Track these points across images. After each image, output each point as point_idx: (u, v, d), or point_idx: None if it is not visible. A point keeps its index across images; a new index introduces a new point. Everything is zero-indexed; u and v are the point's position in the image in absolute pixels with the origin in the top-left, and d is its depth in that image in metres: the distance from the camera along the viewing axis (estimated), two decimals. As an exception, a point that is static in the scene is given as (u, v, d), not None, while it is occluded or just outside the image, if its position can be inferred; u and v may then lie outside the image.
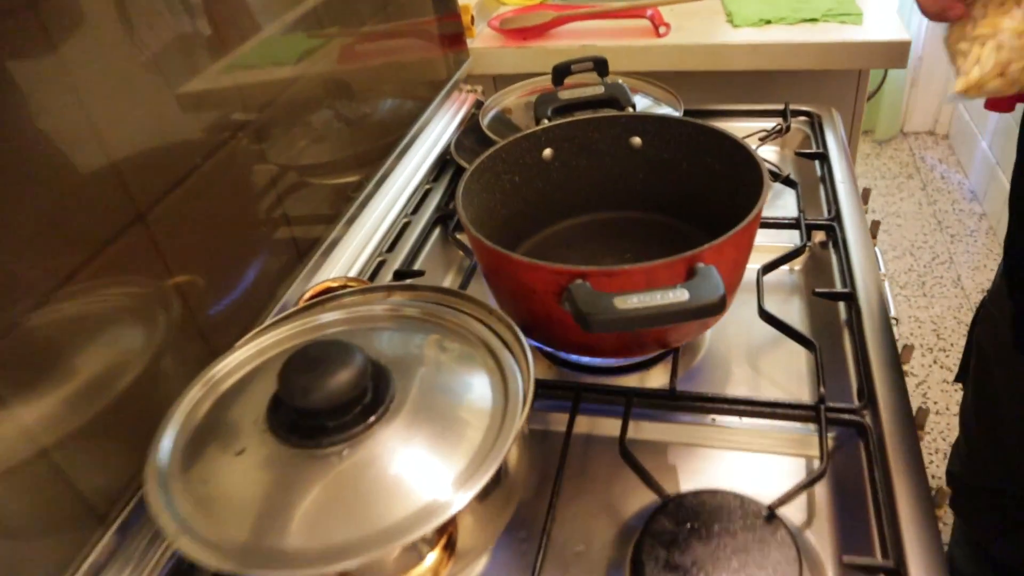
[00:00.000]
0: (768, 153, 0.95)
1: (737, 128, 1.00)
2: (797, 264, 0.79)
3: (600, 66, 0.98)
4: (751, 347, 0.69)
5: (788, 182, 0.85)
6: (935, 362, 1.84)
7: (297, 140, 0.78)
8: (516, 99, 1.08)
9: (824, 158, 0.88)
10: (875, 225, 0.87)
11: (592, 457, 0.61)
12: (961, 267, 2.11)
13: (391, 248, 0.85)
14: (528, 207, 0.77)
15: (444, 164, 1.00)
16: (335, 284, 0.61)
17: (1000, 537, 0.98)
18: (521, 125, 1.03)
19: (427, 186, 0.95)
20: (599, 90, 0.80)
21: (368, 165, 0.92)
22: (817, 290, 0.69)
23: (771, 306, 0.71)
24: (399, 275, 0.80)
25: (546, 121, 0.76)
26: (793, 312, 0.73)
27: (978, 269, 2.09)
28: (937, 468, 1.59)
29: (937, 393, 1.76)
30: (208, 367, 0.51)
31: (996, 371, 0.88)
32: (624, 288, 0.56)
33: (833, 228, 0.77)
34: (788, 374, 0.66)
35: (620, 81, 1.03)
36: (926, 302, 2.02)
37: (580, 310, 0.50)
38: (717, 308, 0.49)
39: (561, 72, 0.98)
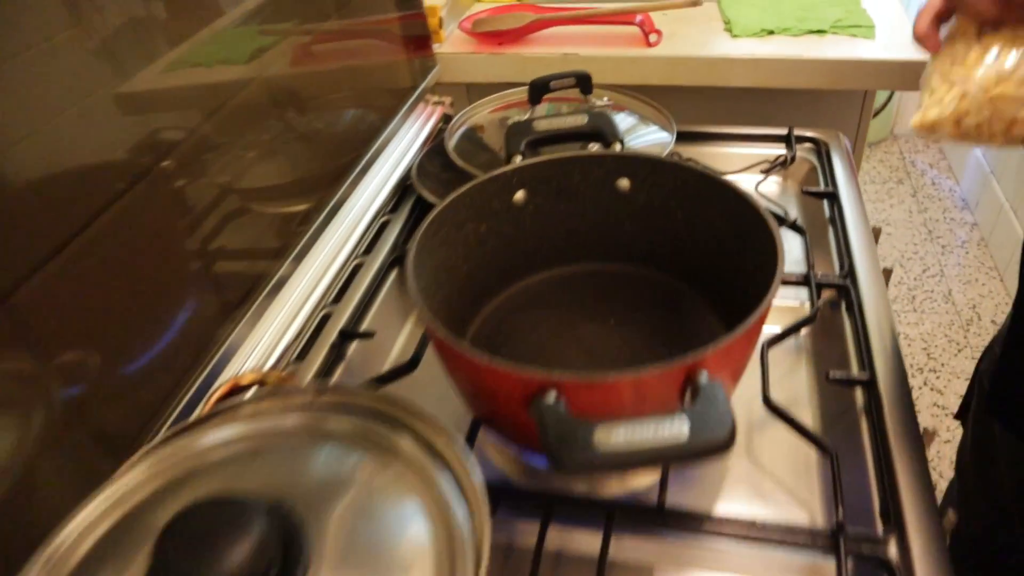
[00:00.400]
0: (770, 186, 0.85)
1: (736, 156, 0.90)
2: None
3: (583, 83, 0.87)
4: (752, 436, 0.59)
5: (795, 228, 0.74)
6: (925, 383, 1.77)
7: (237, 161, 0.66)
8: (488, 115, 0.96)
9: (834, 198, 0.78)
10: (886, 272, 0.77)
11: (564, 583, 0.51)
12: (952, 281, 2.04)
13: (339, 297, 0.73)
14: (496, 259, 0.66)
15: (405, 190, 0.88)
16: (247, 381, 0.49)
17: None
18: (493, 146, 0.92)
19: (384, 217, 0.84)
20: (581, 120, 0.68)
21: (319, 191, 0.80)
22: (832, 375, 0.59)
23: (775, 384, 0.61)
24: (344, 335, 0.68)
25: (519, 158, 0.65)
26: (800, 390, 0.63)
27: (969, 283, 2.02)
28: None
29: (927, 418, 1.69)
30: (47, 540, 0.38)
31: None
32: (607, 403, 0.45)
33: (847, 290, 0.67)
34: (795, 472, 0.56)
35: (606, 99, 0.92)
36: (916, 318, 1.94)
37: (551, 444, 0.39)
38: (724, 446, 0.38)
39: (539, 89, 0.86)
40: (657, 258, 0.67)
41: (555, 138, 0.68)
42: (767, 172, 0.84)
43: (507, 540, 0.54)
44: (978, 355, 1.80)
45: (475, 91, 1.09)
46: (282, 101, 0.74)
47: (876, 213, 2.32)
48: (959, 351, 1.83)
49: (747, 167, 0.85)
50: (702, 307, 0.64)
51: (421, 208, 0.85)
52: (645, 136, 0.89)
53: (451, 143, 0.88)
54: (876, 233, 0.83)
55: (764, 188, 0.81)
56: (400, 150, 0.92)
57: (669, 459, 0.38)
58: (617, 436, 0.38)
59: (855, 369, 0.61)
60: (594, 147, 0.78)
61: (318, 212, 0.79)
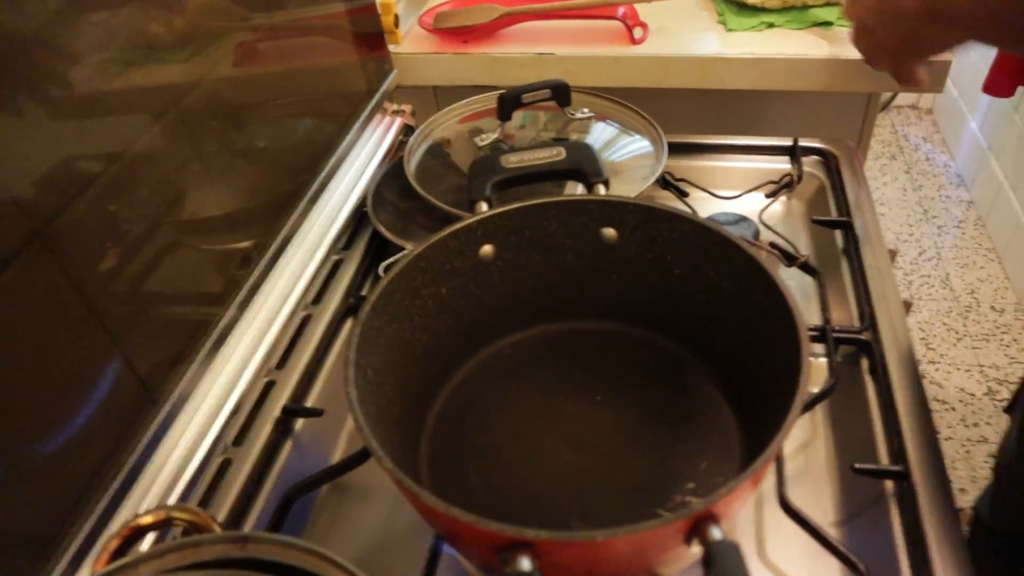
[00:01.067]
0: (774, 208, 0.75)
1: (735, 172, 0.80)
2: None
3: (560, 94, 0.77)
4: (765, 538, 0.50)
5: (807, 269, 0.65)
6: (924, 376, 1.69)
7: (164, 190, 0.55)
8: (456, 125, 0.85)
9: (849, 228, 0.69)
10: (906, 304, 0.68)
11: None
12: (949, 264, 1.96)
13: (284, 360, 0.63)
14: (461, 323, 0.56)
15: (360, 219, 0.78)
16: (147, 523, 0.40)
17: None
18: (462, 164, 0.81)
19: (336, 256, 0.73)
20: (558, 155, 0.58)
21: (262, 223, 0.69)
22: (858, 466, 0.50)
23: (790, 471, 0.52)
24: (288, 413, 0.59)
25: (484, 205, 0.55)
26: (819, 476, 0.54)
27: (967, 266, 1.95)
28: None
29: (926, 413, 1.62)
30: None
31: None
32: (594, 562, 0.36)
33: (869, 346, 0.58)
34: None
35: (586, 110, 0.81)
36: (914, 306, 1.86)
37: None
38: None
39: (509, 103, 0.76)
40: (648, 316, 0.58)
41: (526, 177, 0.58)
42: (772, 195, 0.74)
43: None
44: (978, 344, 1.75)
45: (443, 94, 0.98)
46: (220, 112, 0.63)
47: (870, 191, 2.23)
48: (958, 340, 1.76)
49: (749, 189, 0.76)
50: (703, 377, 0.55)
51: (379, 244, 0.74)
52: (630, 150, 0.79)
53: (412, 163, 0.77)
54: (892, 256, 0.74)
55: (768, 217, 0.71)
56: (355, 171, 0.81)
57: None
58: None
59: (882, 450, 0.52)
60: (575, 189, 0.68)
61: (260, 252, 0.69)
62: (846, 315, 0.64)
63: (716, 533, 0.33)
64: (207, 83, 0.60)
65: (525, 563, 0.33)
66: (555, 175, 0.59)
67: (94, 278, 0.50)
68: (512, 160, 0.57)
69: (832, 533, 0.47)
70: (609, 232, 0.55)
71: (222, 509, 0.53)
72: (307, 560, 0.37)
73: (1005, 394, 1.63)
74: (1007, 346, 1.73)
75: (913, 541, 0.46)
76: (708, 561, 0.32)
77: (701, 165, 0.81)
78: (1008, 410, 0.88)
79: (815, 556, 0.48)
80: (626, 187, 0.78)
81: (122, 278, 0.53)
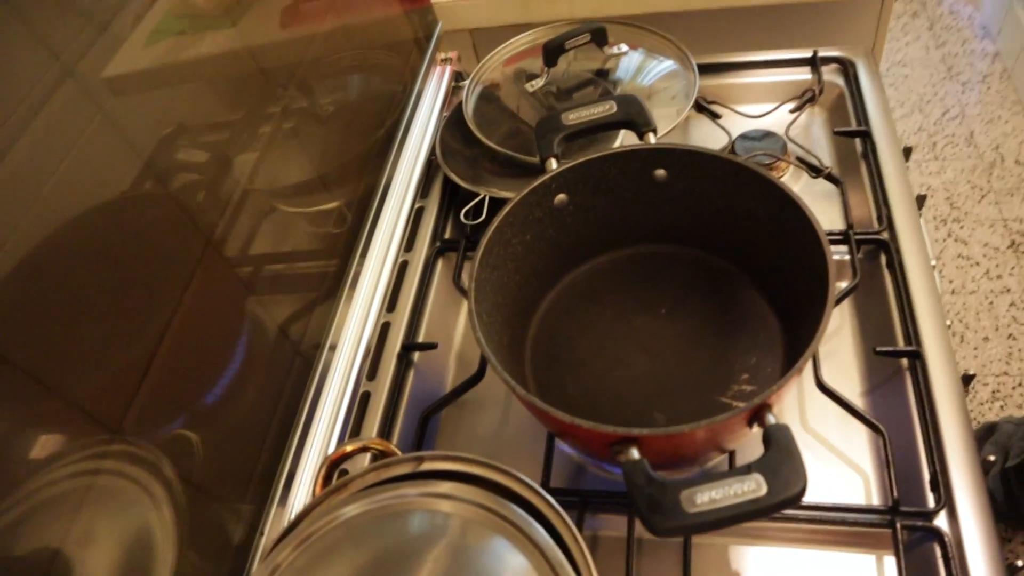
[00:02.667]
0: (799, 128, 0.83)
1: (759, 87, 0.88)
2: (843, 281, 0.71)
3: (598, 36, 0.84)
4: (805, 410, 0.63)
5: (831, 179, 0.75)
6: (949, 235, 1.79)
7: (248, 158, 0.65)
8: (501, 68, 0.93)
9: (867, 137, 0.77)
10: (919, 199, 0.78)
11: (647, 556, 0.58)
12: (973, 121, 1.99)
13: (392, 303, 0.76)
14: (542, 261, 0.68)
15: (430, 168, 0.88)
16: (353, 448, 0.54)
17: None
18: (512, 106, 0.90)
19: (418, 205, 0.84)
20: (611, 109, 0.67)
21: (346, 184, 0.80)
22: (879, 348, 0.62)
23: (823, 355, 0.65)
24: (408, 348, 0.72)
25: (554, 162, 0.65)
26: (847, 361, 0.66)
27: (992, 122, 1.98)
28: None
29: (952, 270, 1.72)
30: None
31: None
32: (682, 450, 0.49)
33: (887, 245, 0.69)
34: (848, 444, 0.61)
35: (623, 47, 0.89)
36: (938, 167, 1.92)
37: (643, 511, 0.43)
38: (799, 499, 0.43)
39: (553, 51, 0.84)
40: (697, 238, 0.69)
41: (586, 130, 0.67)
42: (797, 110, 0.82)
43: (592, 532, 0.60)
44: (1002, 199, 1.82)
45: (480, 37, 1.05)
46: (278, 77, 0.70)
47: (891, 55, 2.23)
48: (982, 197, 1.83)
49: (775, 105, 0.84)
50: (748, 286, 0.66)
51: (452, 189, 0.85)
52: (659, 71, 0.88)
53: (469, 111, 0.87)
54: (906, 153, 0.83)
55: (794, 133, 0.80)
56: (421, 122, 0.90)
57: (751, 516, 0.43)
58: (702, 498, 0.43)
59: (899, 334, 0.64)
60: (621, 139, 0.77)
61: (352, 209, 0.80)
62: (866, 214, 0.74)
63: (771, 419, 0.46)
64: (256, 49, 0.65)
65: (634, 452, 0.46)
66: (610, 126, 0.68)
67: (227, 248, 0.62)
68: (571, 117, 0.67)
69: (859, 404, 0.60)
70: (660, 173, 0.65)
71: (371, 433, 0.67)
72: (469, 467, 0.50)
73: (1027, 245, 1.71)
74: (1031, 198, 1.80)
75: (924, 408, 0.58)
76: (767, 439, 0.45)
77: (728, 83, 0.89)
78: None
79: (846, 423, 0.61)
80: (660, 111, 0.87)
81: (241, 243, 0.64)
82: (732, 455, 0.59)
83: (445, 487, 0.49)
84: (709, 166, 0.62)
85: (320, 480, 0.54)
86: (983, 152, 1.92)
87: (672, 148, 0.63)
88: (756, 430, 0.47)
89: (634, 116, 0.66)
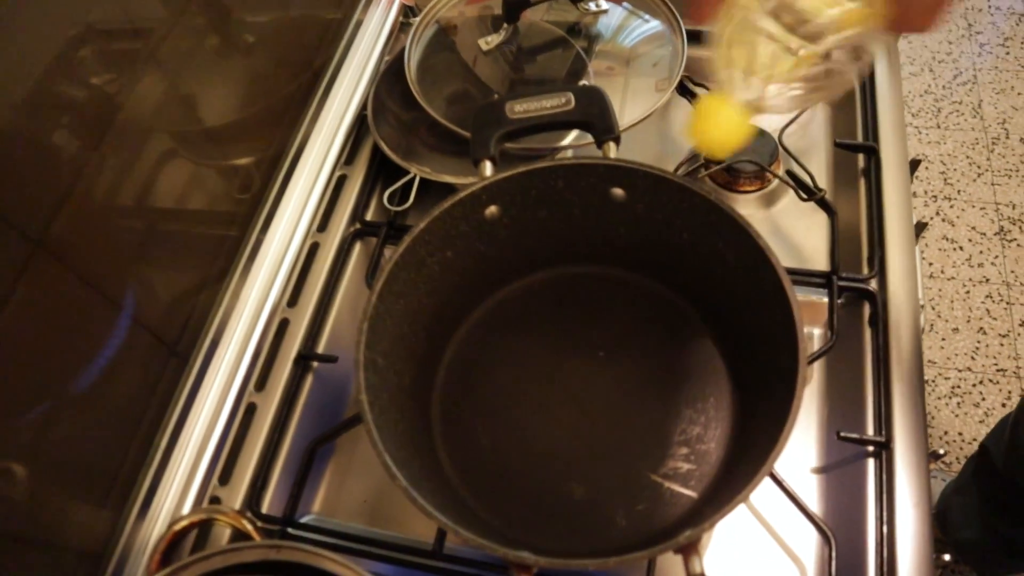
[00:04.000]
0: (795, 129, 0.71)
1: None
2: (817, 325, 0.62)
3: (572, -11, 0.69)
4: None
5: (823, 205, 0.63)
6: (937, 213, 1.69)
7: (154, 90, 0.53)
8: (462, 8, 0.78)
9: (873, 154, 0.65)
10: (918, 226, 0.67)
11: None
12: (985, 89, 1.86)
13: (294, 296, 0.65)
14: (465, 279, 0.57)
15: (361, 125, 0.74)
16: (190, 522, 0.44)
17: (998, 511, 0.93)
18: (467, 55, 0.76)
19: (339, 172, 0.72)
20: (567, 104, 0.54)
21: (260, 137, 0.67)
22: (843, 434, 0.53)
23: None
24: (302, 359, 0.61)
25: (488, 165, 0.53)
26: (807, 443, 0.57)
27: (1003, 92, 1.84)
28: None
29: (934, 252, 1.64)
30: None
31: None
32: None
33: (874, 298, 0.58)
34: (789, 528, 0.53)
35: (602, 2, 0.74)
36: (938, 135, 1.80)
37: None
38: None
39: (515, 5, 0.69)
40: (652, 266, 0.58)
41: (533, 127, 0.55)
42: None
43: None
44: (999, 180, 1.71)
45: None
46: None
47: (912, 2, 2.04)
48: (979, 176, 1.72)
49: (770, 99, 0.71)
50: (703, 334, 0.56)
51: (383, 156, 0.72)
52: (642, 32, 0.74)
53: (413, 62, 0.73)
54: (913, 166, 0.72)
55: (789, 131, 0.67)
56: (356, 65, 0.76)
57: None
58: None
59: (869, 413, 0.55)
60: (569, 138, 0.64)
61: (263, 171, 0.68)
62: (855, 244, 0.64)
63: (696, 565, 0.37)
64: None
65: (526, 589, 0.37)
66: (563, 126, 0.55)
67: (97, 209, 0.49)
68: (517, 110, 0.54)
69: (809, 484, 0.52)
70: (618, 192, 0.54)
71: (252, 455, 0.57)
72: (330, 565, 0.41)
73: (1016, 234, 1.63)
74: (1028, 183, 1.70)
75: (882, 511, 0.50)
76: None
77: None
78: None
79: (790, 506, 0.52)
80: (641, 80, 0.74)
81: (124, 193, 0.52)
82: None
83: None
84: (677, 195, 0.51)
85: (158, 556, 0.44)
86: (988, 125, 1.80)
87: (636, 168, 0.51)
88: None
89: (594, 118, 0.53)
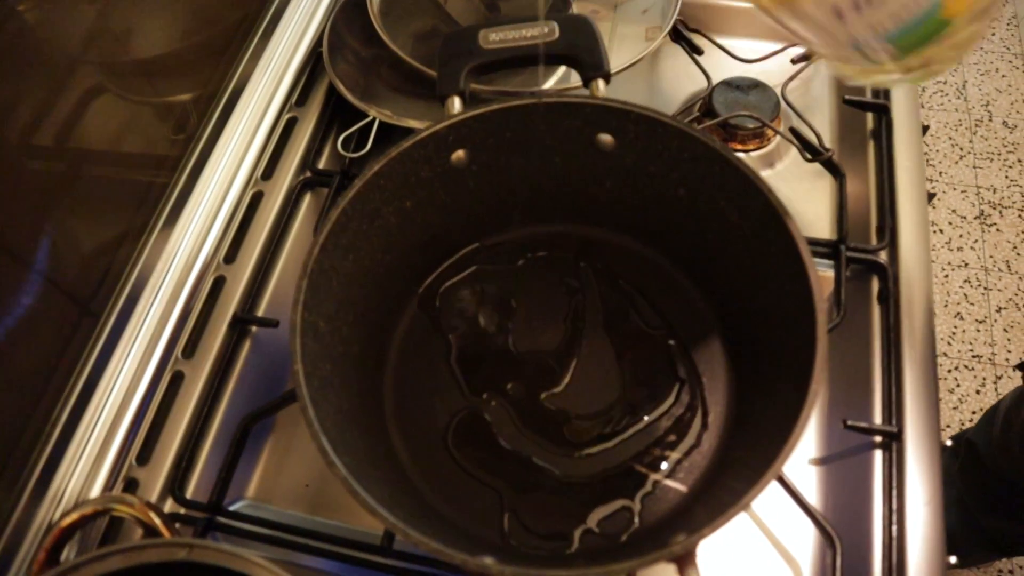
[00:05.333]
0: (799, 83, 0.64)
1: (759, 22, 0.67)
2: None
3: (559, -86, 0.61)
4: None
5: (830, 167, 0.57)
6: (918, 195, 1.65)
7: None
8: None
9: (884, 113, 0.59)
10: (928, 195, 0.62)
11: None
12: (969, 71, 1.82)
13: (233, 251, 0.56)
14: (427, 234, 0.49)
15: (316, 64, 0.66)
16: (83, 514, 0.36)
17: (990, 512, 0.89)
18: (437, -8, 0.68)
19: (289, 114, 0.63)
20: (550, 33, 0.47)
21: (200, 71, 0.59)
22: (850, 422, 0.47)
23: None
24: (238, 322, 0.53)
25: (457, 101, 0.45)
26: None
27: (987, 74, 1.80)
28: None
29: (913, 235, 1.60)
30: None
31: None
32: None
33: (884, 271, 0.52)
34: (785, 525, 0.47)
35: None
36: (922, 115, 1.75)
37: None
38: None
39: (495, -72, 0.61)
40: (640, 229, 0.51)
41: (510, 60, 0.47)
42: (801, 61, 0.63)
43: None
44: (980, 164, 1.68)
45: None
46: None
47: (900, -22, 1.99)
48: (960, 158, 1.69)
49: (774, 50, 0.64)
50: (698, 305, 0.50)
51: (338, 98, 0.64)
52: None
53: (376, -5, 0.64)
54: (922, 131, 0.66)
55: (791, 92, 0.61)
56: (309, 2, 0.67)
57: None
58: None
59: (877, 399, 0.49)
60: (556, 76, 0.57)
61: (201, 109, 0.59)
62: (863, 212, 0.57)
63: (695, 578, 0.31)
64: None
65: (487, 604, 0.31)
66: (546, 59, 0.48)
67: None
68: (492, 39, 0.46)
69: (808, 477, 0.46)
70: (606, 138, 0.46)
71: (177, 431, 0.50)
72: (251, 569, 0.34)
73: (996, 219, 1.60)
74: (1010, 167, 1.67)
75: (891, 508, 0.44)
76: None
77: (720, 4, 0.68)
78: (1020, 368, 0.83)
79: (789, 502, 0.46)
80: (629, 27, 0.67)
81: (41, 131, 0.45)
82: None
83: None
84: (676, 143, 0.44)
85: (42, 556, 0.37)
86: (972, 107, 1.76)
87: (628, 110, 0.44)
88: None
89: (581, 51, 0.46)
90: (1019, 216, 1.60)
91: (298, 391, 0.36)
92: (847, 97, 0.60)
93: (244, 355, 0.54)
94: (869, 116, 0.60)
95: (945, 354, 1.46)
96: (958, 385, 1.43)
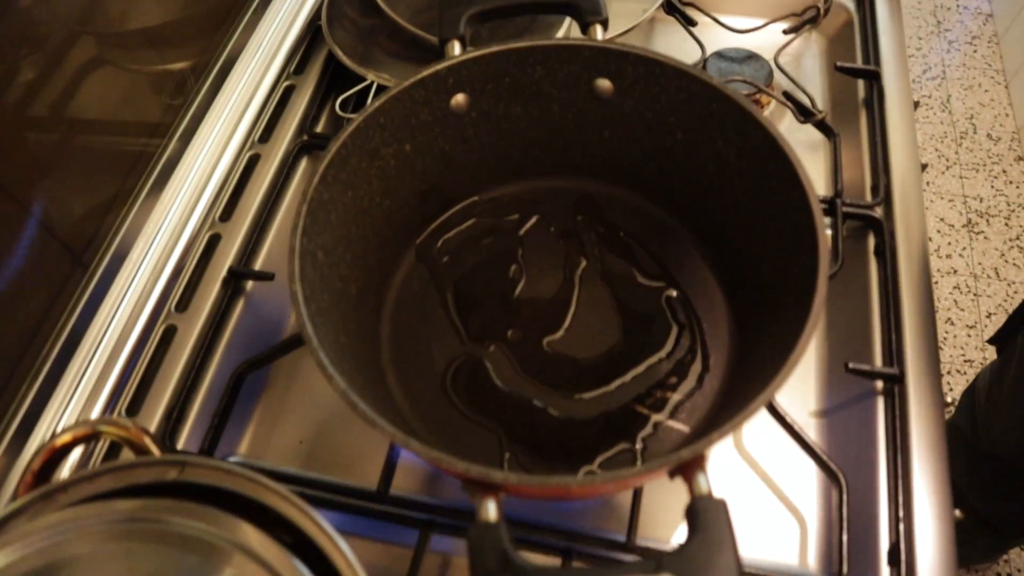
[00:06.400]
0: (791, 54, 0.65)
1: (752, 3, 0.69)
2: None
3: None
4: (745, 431, 0.49)
5: (823, 128, 0.57)
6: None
7: None
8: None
9: (875, 79, 0.60)
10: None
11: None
12: (953, 84, 1.85)
13: (229, 210, 0.56)
14: (426, 182, 0.49)
15: (314, 36, 0.66)
16: (69, 440, 0.35)
17: (983, 495, 0.89)
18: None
19: (287, 83, 0.63)
20: (549, -20, 0.47)
21: (197, 40, 0.59)
22: (852, 365, 0.47)
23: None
24: (235, 275, 0.53)
25: (457, 45, 0.46)
26: (807, 374, 0.51)
27: (971, 88, 1.84)
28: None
29: (902, 243, 1.61)
30: None
31: None
32: (563, 497, 0.33)
33: (879, 225, 0.53)
34: (789, 477, 0.47)
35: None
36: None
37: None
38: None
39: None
40: (639, 180, 0.51)
41: (509, 9, 0.48)
42: (793, 31, 0.64)
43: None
44: (966, 174, 1.70)
45: None
46: None
47: (883, -2, 2.04)
48: (947, 168, 1.71)
49: (765, 22, 0.65)
50: (695, 254, 0.50)
51: (337, 70, 0.64)
52: None
53: (376, -33, 0.65)
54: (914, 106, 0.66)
55: (784, 60, 0.62)
56: (307, -30, 0.68)
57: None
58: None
59: (877, 346, 0.49)
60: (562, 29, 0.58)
61: (198, 75, 0.60)
62: (856, 175, 0.58)
63: (702, 483, 0.30)
64: None
65: (491, 509, 0.30)
66: (544, 7, 0.48)
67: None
68: (494, -17, 0.47)
69: (810, 428, 0.45)
70: (604, 84, 0.47)
71: (169, 383, 0.49)
72: (246, 486, 0.33)
73: (983, 227, 1.62)
74: (995, 177, 1.69)
75: (896, 452, 0.44)
76: (692, 518, 0.29)
77: (714, -15, 0.70)
78: (995, 341, 0.83)
79: (792, 448, 0.46)
80: (622, 4, 0.68)
81: (39, 101, 0.45)
82: (639, 490, 0.44)
83: (206, 519, 0.32)
84: (673, 84, 0.44)
85: (29, 478, 0.35)
86: (957, 120, 1.79)
87: (626, 51, 0.44)
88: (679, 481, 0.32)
89: (580, -4, 0.46)
90: (1006, 224, 1.62)
91: (296, 310, 0.35)
92: (838, 64, 0.61)
93: (239, 311, 0.53)
94: (860, 84, 0.61)
95: (937, 359, 1.46)
96: (951, 389, 1.43)
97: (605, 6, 0.46)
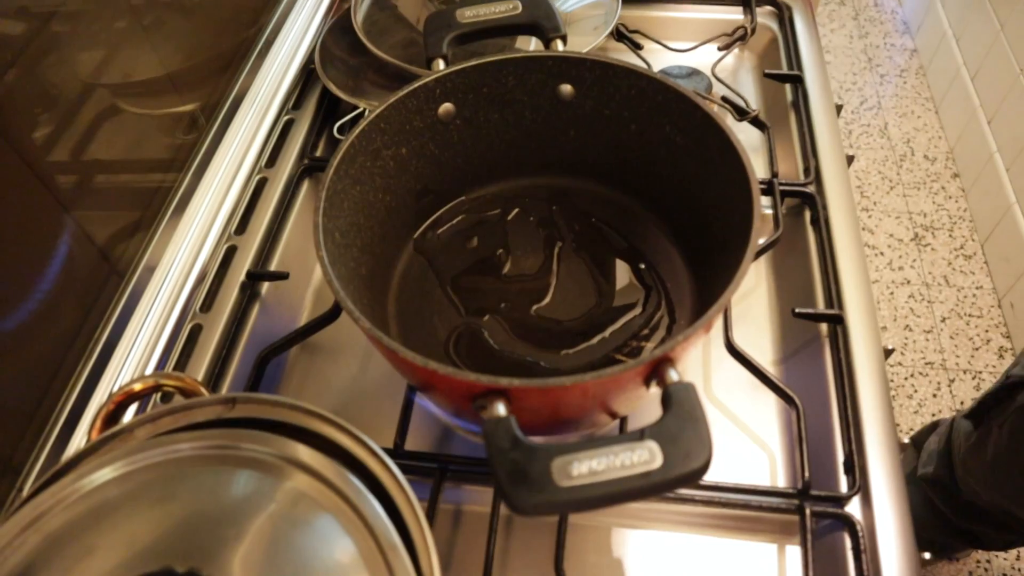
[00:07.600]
0: (726, 69, 0.75)
1: (688, 24, 0.79)
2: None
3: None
4: (711, 376, 0.55)
5: (757, 123, 0.66)
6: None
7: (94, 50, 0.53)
8: (401, -27, 0.81)
9: (799, 83, 0.69)
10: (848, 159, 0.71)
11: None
12: (889, 113, 2.00)
13: (243, 225, 0.63)
14: (420, 182, 0.57)
15: (308, 77, 0.75)
16: (142, 387, 0.41)
17: (964, 517, 0.95)
18: (410, 15, 0.78)
19: (287, 117, 0.71)
20: (514, 8, 0.56)
21: (205, 84, 0.66)
22: (798, 310, 0.54)
23: (735, 314, 0.57)
24: (253, 277, 0.59)
25: (441, 62, 0.54)
26: (760, 320, 0.58)
27: (905, 116, 1.99)
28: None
29: (857, 259, 1.71)
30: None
31: None
32: (562, 410, 0.40)
33: (813, 199, 0.61)
34: (756, 416, 0.53)
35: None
36: (852, 153, 1.91)
37: (503, 481, 0.33)
38: (701, 473, 0.34)
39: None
40: (604, 171, 0.59)
41: (483, 31, 0.56)
42: (726, 48, 0.74)
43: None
44: (909, 192, 1.83)
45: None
46: None
47: (817, 40, 2.21)
48: (891, 188, 1.84)
49: (702, 41, 0.75)
50: (656, 230, 0.57)
51: (331, 105, 0.72)
52: (587, 3, 0.77)
53: (359, 16, 0.74)
54: (837, 109, 0.76)
55: (720, 72, 0.71)
56: (300, 24, 0.77)
57: (640, 495, 0.34)
58: (579, 468, 0.33)
59: (819, 295, 0.56)
60: (528, 43, 0.67)
61: (207, 114, 0.67)
62: (792, 168, 0.67)
63: (673, 375, 0.37)
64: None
65: (500, 408, 0.36)
66: (512, 30, 0.57)
67: (36, 146, 0.48)
68: (467, 15, 0.55)
69: (771, 371, 0.52)
70: (566, 88, 0.55)
71: (198, 373, 0.54)
72: (292, 415, 0.39)
73: (929, 239, 1.73)
74: (935, 194, 1.82)
75: (842, 379, 0.51)
76: (667, 400, 0.36)
77: (655, 16, 0.80)
78: (971, 417, 0.85)
79: (755, 394, 0.53)
80: (580, 39, 0.77)
81: (63, 145, 0.51)
82: (624, 423, 0.50)
83: (259, 442, 0.38)
84: (624, 82, 0.53)
85: (100, 423, 0.41)
86: (895, 144, 1.93)
87: (581, 58, 0.53)
88: (655, 391, 0.38)
89: (541, 19, 0.55)
90: (950, 235, 1.73)
91: (323, 268, 0.42)
92: (767, 71, 0.70)
93: (257, 309, 0.59)
94: (787, 88, 0.71)
95: (900, 363, 1.54)
96: (916, 391, 1.51)
97: (564, 24, 0.55)
